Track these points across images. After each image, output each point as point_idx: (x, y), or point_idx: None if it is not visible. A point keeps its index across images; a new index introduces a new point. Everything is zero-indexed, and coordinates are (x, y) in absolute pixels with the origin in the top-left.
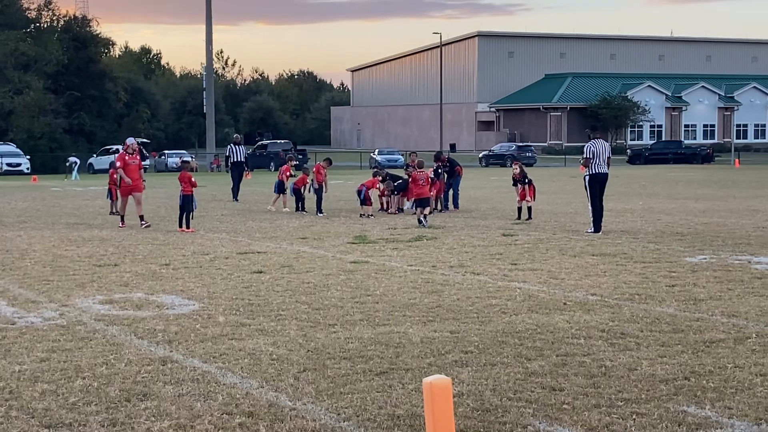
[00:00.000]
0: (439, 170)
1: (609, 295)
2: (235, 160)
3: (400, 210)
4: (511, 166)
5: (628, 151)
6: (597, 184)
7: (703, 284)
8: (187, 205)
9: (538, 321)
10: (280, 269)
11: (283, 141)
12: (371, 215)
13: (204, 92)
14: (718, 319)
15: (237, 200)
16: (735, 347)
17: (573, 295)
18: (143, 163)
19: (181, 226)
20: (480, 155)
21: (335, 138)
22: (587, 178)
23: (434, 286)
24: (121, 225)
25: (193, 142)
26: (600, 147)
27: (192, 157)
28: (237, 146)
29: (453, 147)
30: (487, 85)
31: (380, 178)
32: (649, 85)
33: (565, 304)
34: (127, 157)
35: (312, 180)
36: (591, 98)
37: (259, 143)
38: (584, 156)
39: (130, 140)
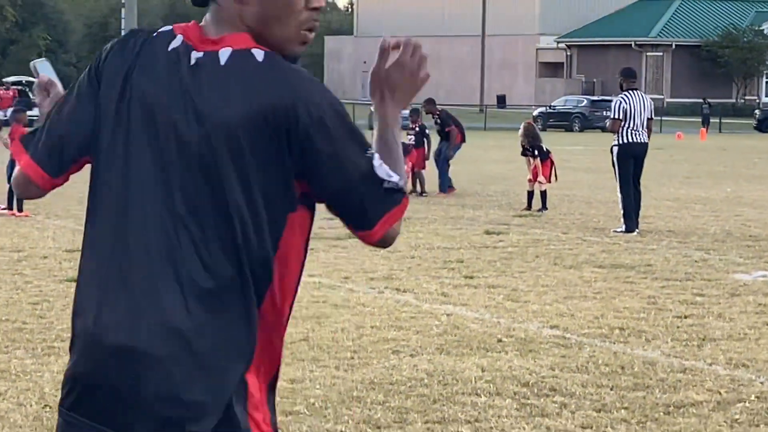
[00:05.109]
0: (426, 130)
1: (578, 328)
2: None
3: None
4: (577, 130)
5: (757, 112)
6: (630, 160)
7: (732, 315)
8: None
9: (440, 366)
10: None
11: None
12: None
13: (123, 9)
14: (716, 370)
15: None
16: (710, 415)
17: (523, 327)
18: (29, 113)
19: (10, 208)
20: (535, 113)
21: (331, 82)
22: (615, 149)
23: (321, 309)
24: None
25: None
26: (637, 103)
27: None
28: None
29: (501, 100)
30: (555, 9)
31: None
32: None
33: (499, 341)
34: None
35: None
36: (708, 32)
37: None
38: (612, 116)
39: None
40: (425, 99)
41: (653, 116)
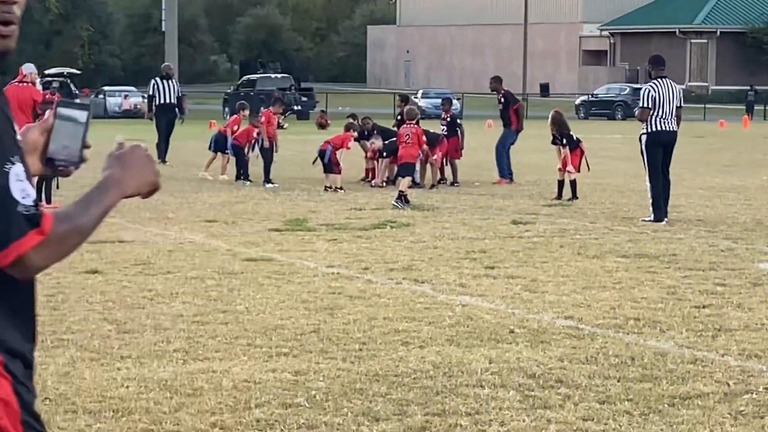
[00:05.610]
0: (458, 120)
1: (593, 319)
2: (163, 101)
3: (390, 181)
4: (620, 118)
5: None
6: (659, 148)
7: (752, 305)
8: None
9: (447, 358)
10: (129, 268)
11: (280, 75)
12: (339, 188)
13: (163, 0)
14: (727, 361)
15: (165, 161)
16: (715, 407)
17: (537, 318)
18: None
19: (40, 199)
20: (577, 101)
21: (373, 72)
22: (644, 138)
23: (336, 300)
24: None
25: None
26: (665, 91)
27: (144, 97)
28: (165, 81)
29: (544, 88)
30: None
31: (355, 134)
32: None
33: (511, 332)
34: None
35: (260, 135)
36: (753, 18)
37: (245, 79)
38: (641, 104)
39: (28, 67)
40: (492, 77)
41: (682, 104)
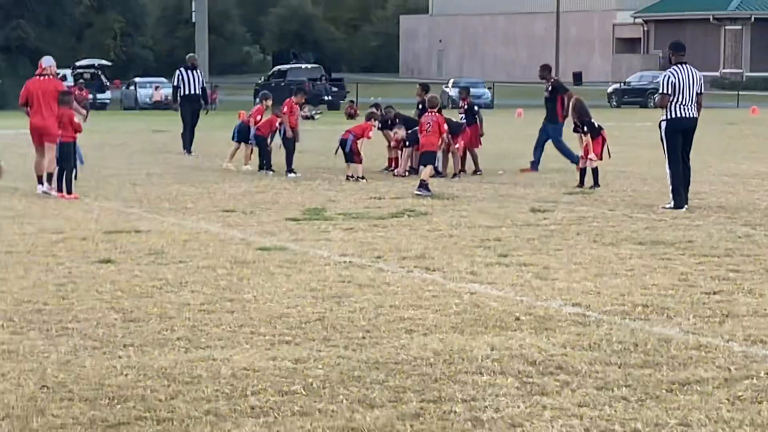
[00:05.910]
0: (476, 108)
1: (601, 305)
2: (188, 91)
3: (413, 170)
4: (652, 106)
5: None
6: (679, 135)
7: (763, 291)
8: (66, 159)
9: (449, 345)
10: (142, 257)
11: (311, 66)
12: (361, 177)
13: None
14: (731, 346)
15: (190, 152)
16: (713, 392)
17: (544, 305)
18: (102, 96)
19: (60, 190)
20: (609, 89)
21: (406, 62)
22: (664, 125)
23: (344, 289)
24: (48, 190)
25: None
26: (686, 77)
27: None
28: (190, 71)
29: (578, 77)
30: None
31: (376, 123)
32: None
33: (517, 319)
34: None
35: (282, 125)
36: None
37: (276, 69)
38: (661, 91)
39: (47, 60)
40: (541, 65)
41: (703, 90)
